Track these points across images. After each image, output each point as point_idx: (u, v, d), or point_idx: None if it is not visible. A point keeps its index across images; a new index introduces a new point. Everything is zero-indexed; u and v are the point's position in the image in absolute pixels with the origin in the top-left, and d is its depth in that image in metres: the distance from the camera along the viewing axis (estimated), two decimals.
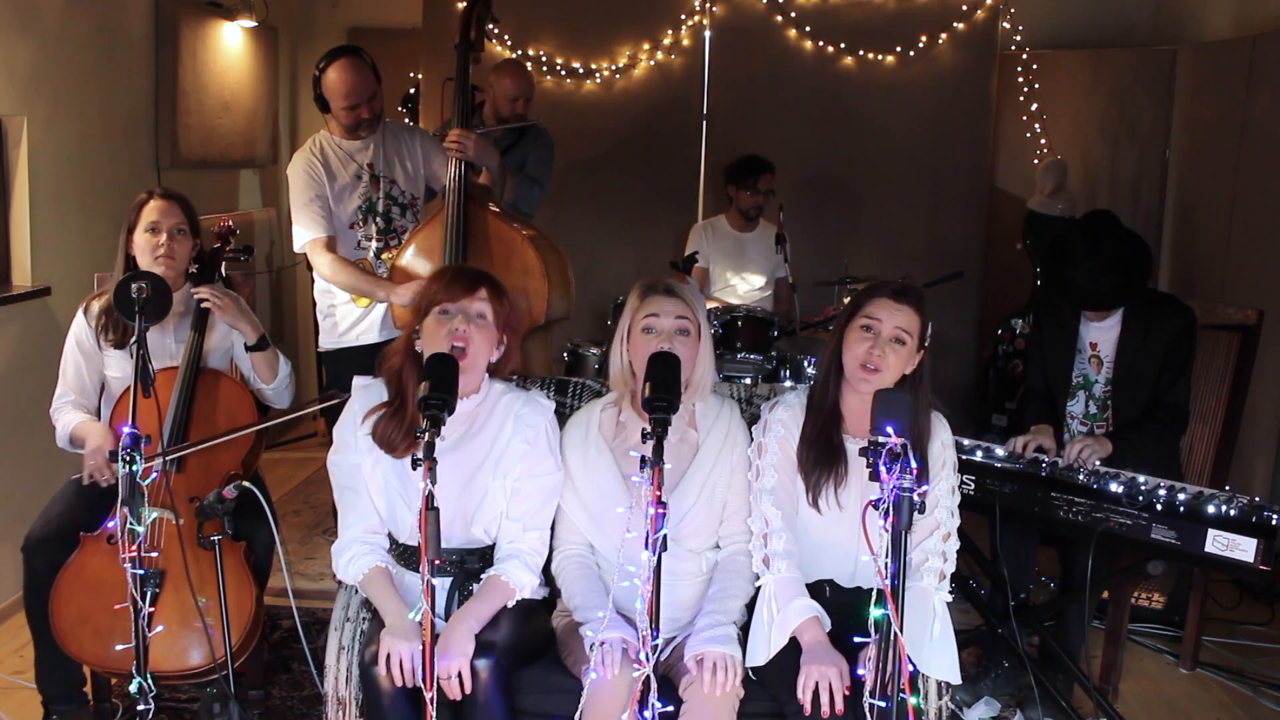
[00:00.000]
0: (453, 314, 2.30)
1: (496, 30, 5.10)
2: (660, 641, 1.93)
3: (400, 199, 3.56)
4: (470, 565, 2.35)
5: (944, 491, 2.31)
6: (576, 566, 2.36)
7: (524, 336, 3.26)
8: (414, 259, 3.38)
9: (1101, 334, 3.22)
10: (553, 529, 2.41)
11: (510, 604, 2.28)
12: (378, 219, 3.52)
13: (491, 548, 2.37)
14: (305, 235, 3.41)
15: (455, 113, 3.46)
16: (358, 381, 2.44)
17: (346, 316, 3.52)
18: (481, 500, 2.33)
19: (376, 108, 3.48)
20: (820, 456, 2.31)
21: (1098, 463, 2.91)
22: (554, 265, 3.33)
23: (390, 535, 2.39)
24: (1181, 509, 2.63)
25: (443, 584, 2.34)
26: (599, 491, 2.36)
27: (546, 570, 2.41)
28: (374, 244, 3.52)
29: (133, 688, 2.16)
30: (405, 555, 2.36)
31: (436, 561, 1.94)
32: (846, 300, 3.46)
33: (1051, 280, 3.25)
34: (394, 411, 2.34)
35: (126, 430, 2.12)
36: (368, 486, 2.35)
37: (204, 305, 2.85)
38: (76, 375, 2.90)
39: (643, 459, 1.95)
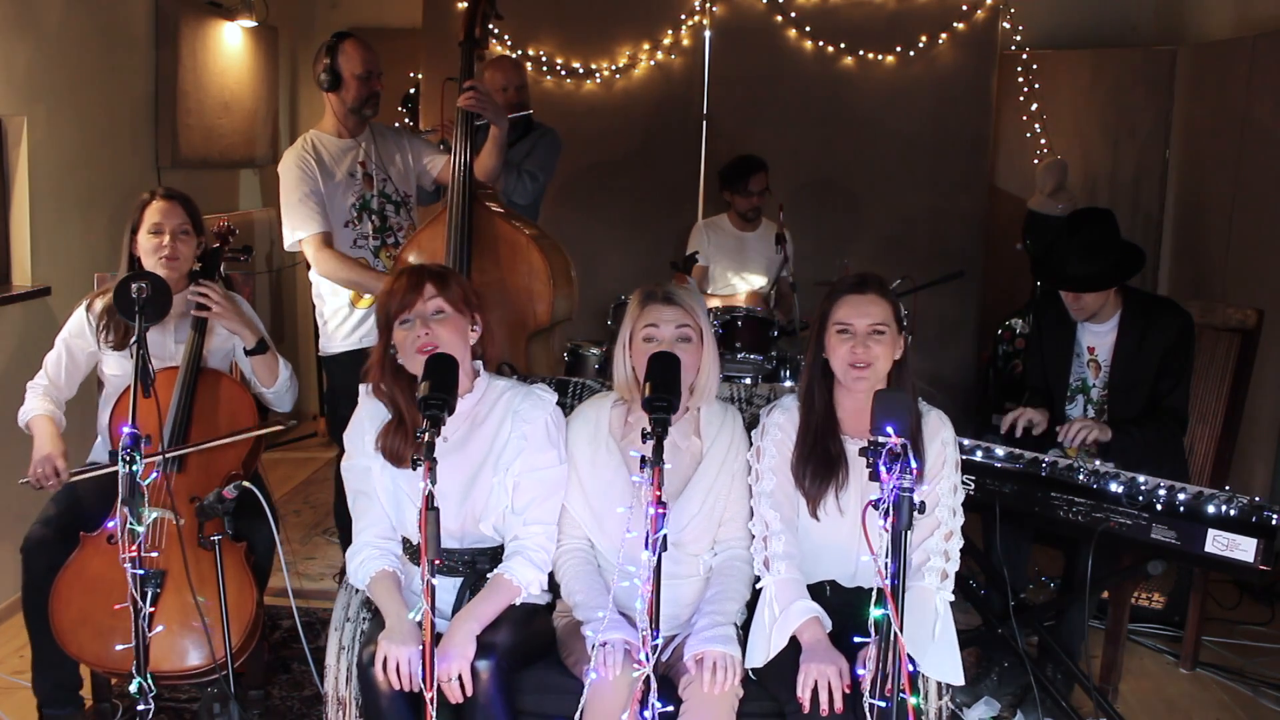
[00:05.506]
0: (412, 321, 2.30)
1: (496, 30, 5.10)
2: (660, 641, 1.93)
3: (394, 196, 3.56)
4: (481, 566, 2.35)
5: (946, 490, 2.30)
6: (577, 561, 2.36)
7: (528, 338, 3.25)
8: (417, 261, 3.36)
9: (1098, 338, 3.21)
10: None
11: (518, 602, 2.27)
12: (373, 217, 3.52)
13: (501, 548, 2.36)
14: (300, 232, 3.39)
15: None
16: (364, 388, 2.44)
17: (347, 320, 3.51)
18: (486, 498, 2.33)
19: (381, 88, 3.54)
20: (819, 469, 2.30)
21: (1098, 461, 2.91)
22: (559, 267, 3.31)
23: (405, 538, 2.39)
24: (1181, 509, 2.63)
25: (453, 584, 2.34)
26: (604, 490, 2.36)
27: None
28: (371, 242, 3.52)
29: (133, 688, 2.16)
30: (417, 556, 2.35)
31: (437, 562, 1.94)
32: None
33: (1039, 268, 3.25)
34: (396, 425, 2.34)
35: (126, 430, 2.12)
36: (377, 490, 2.35)
37: (199, 302, 2.82)
38: (56, 368, 2.90)
39: (643, 459, 1.95)
